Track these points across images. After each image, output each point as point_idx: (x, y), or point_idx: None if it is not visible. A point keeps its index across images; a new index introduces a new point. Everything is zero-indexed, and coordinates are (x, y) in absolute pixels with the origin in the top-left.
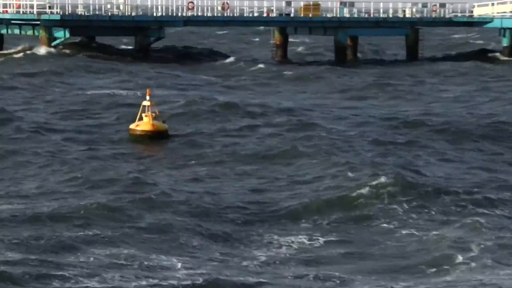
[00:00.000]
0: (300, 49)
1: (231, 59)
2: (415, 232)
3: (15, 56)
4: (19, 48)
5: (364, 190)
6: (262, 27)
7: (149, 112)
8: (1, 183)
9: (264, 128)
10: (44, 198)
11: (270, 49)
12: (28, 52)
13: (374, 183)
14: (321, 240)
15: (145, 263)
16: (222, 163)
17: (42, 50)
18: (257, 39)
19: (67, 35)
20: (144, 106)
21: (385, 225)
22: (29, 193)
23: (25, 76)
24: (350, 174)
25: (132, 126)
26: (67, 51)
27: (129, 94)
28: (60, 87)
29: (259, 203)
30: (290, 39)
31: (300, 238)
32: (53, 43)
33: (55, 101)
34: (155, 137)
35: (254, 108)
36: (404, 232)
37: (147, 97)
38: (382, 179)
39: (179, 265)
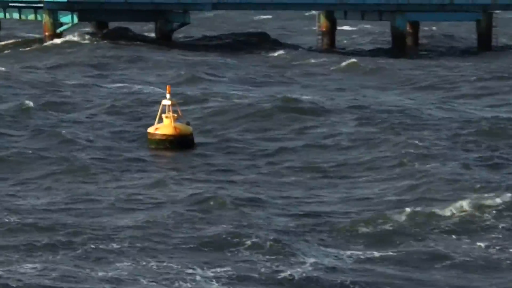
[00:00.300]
0: (349, 37)
1: (280, 51)
2: (490, 247)
3: (26, 47)
4: (32, 37)
5: (445, 203)
6: (312, 12)
7: (170, 113)
8: (11, 191)
9: (318, 130)
10: (63, 209)
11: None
12: (39, 42)
13: (460, 194)
14: (376, 254)
15: (176, 283)
16: (266, 173)
17: (54, 40)
18: (305, 28)
19: (75, 20)
20: (164, 105)
21: (453, 236)
22: (46, 202)
23: (37, 69)
24: (429, 183)
25: (150, 129)
26: (80, 40)
27: (154, 91)
28: (76, 80)
29: (311, 215)
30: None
31: (354, 251)
32: (59, 30)
33: (70, 98)
34: (178, 142)
35: (304, 105)
36: (476, 246)
37: (167, 95)
38: (471, 191)
39: (214, 282)
